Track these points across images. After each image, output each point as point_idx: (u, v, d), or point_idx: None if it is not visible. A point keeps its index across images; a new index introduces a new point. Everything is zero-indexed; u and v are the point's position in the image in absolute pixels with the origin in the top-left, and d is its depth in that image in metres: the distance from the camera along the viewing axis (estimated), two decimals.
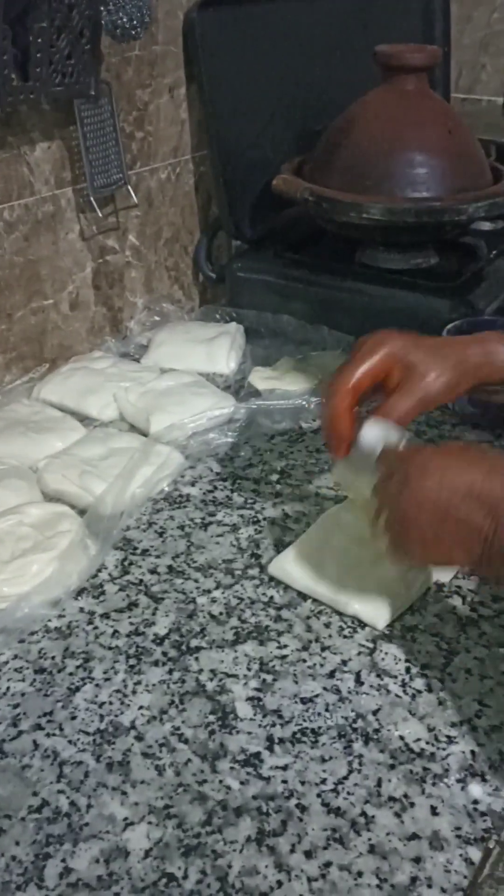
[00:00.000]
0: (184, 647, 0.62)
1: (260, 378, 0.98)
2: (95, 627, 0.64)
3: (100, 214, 0.97)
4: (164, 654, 0.62)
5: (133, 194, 1.00)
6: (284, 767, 0.53)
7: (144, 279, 1.10)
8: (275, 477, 0.82)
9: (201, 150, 1.11)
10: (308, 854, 0.48)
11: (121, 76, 0.96)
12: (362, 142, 1.02)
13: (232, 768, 0.53)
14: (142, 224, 1.07)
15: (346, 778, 0.52)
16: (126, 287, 1.07)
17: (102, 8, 0.79)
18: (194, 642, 0.63)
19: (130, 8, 0.80)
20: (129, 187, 0.99)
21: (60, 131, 0.92)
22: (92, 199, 0.94)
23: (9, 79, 0.77)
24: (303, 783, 0.52)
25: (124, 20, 0.80)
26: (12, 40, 0.76)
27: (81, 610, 0.66)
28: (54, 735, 0.55)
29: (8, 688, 0.59)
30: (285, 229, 1.15)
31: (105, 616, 0.65)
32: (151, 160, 1.05)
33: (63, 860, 0.47)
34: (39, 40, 0.78)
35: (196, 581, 0.69)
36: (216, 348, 1.03)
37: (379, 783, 0.52)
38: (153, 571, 0.70)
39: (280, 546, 0.72)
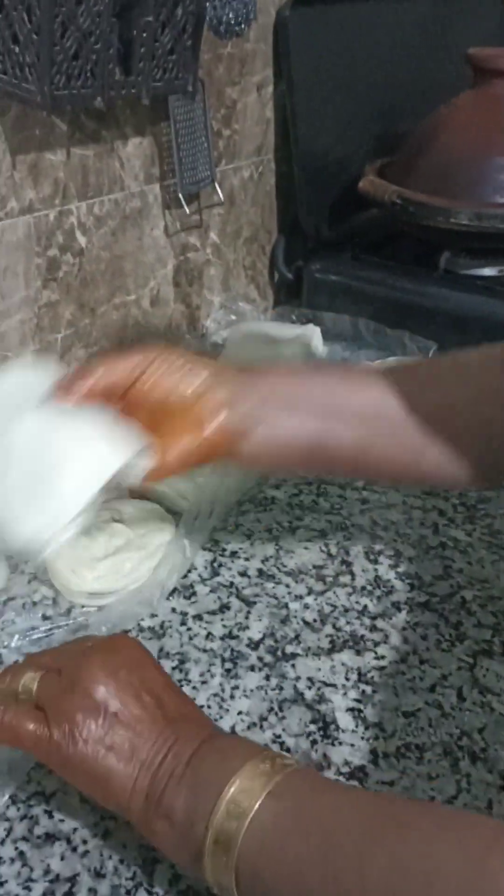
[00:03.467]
0: (279, 653, 0.61)
1: None
2: (189, 629, 0.64)
3: (187, 211, 0.96)
4: (260, 658, 0.61)
5: (220, 192, 0.99)
6: (391, 783, 0.52)
7: (222, 277, 1.09)
8: (360, 483, 0.81)
9: (284, 150, 1.10)
10: None
11: (212, 73, 0.96)
12: (452, 146, 1.01)
13: (337, 780, 0.52)
14: (223, 222, 1.06)
15: (455, 797, 0.51)
16: (205, 285, 1.07)
17: (208, 3, 0.78)
18: (289, 648, 0.62)
19: (237, 4, 0.79)
20: (216, 185, 0.98)
21: (152, 127, 0.91)
22: (180, 195, 0.94)
23: (112, 73, 0.77)
24: None
25: (230, 16, 0.79)
26: (117, 34, 0.76)
27: (174, 610, 0.65)
28: None
29: None
30: (363, 231, 1.14)
31: (198, 617, 0.65)
32: (236, 158, 1.05)
33: (172, 866, 0.47)
34: (144, 35, 0.77)
35: (287, 586, 0.68)
36: (292, 349, 1.02)
37: (490, 804, 0.50)
38: (243, 574, 0.69)
39: (371, 554, 0.71)
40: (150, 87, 0.81)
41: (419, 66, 1.24)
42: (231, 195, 1.06)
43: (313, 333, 1.05)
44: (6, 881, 0.46)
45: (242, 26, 0.83)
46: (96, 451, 0.53)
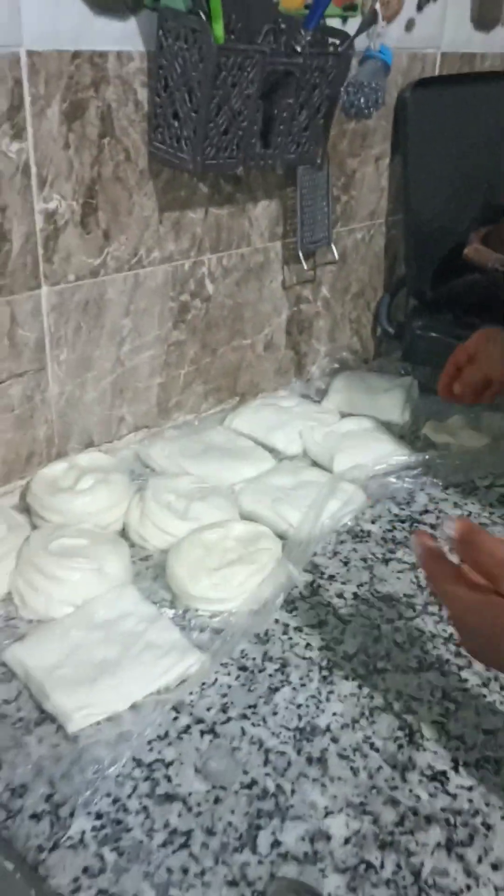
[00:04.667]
0: (371, 667, 0.68)
1: (433, 431, 1.04)
2: (290, 638, 0.71)
3: (305, 267, 1.06)
4: (353, 670, 0.68)
5: (335, 251, 1.09)
6: (470, 788, 0.58)
7: (329, 328, 1.18)
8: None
9: (395, 215, 1.20)
10: (495, 867, 0.52)
11: (336, 146, 1.06)
12: None
13: (421, 780, 0.58)
14: (334, 278, 1.16)
15: None
16: (313, 335, 1.16)
17: (342, 90, 0.88)
18: (380, 664, 0.68)
19: (368, 91, 0.89)
20: (332, 245, 1.08)
21: (280, 192, 1.02)
22: (300, 252, 1.04)
23: (254, 146, 0.87)
24: (487, 805, 0.56)
25: (361, 102, 0.90)
26: (261, 112, 0.87)
27: (277, 621, 0.73)
28: (259, 726, 0.62)
29: (217, 679, 0.66)
30: (464, 293, 1.21)
31: (298, 629, 0.72)
32: (351, 221, 1.14)
33: (273, 833, 0.54)
34: (284, 114, 0.88)
35: (380, 610, 0.75)
36: (391, 399, 1.09)
37: None
38: (340, 596, 0.76)
39: None
40: (284, 160, 0.92)
41: None
42: (344, 254, 1.15)
43: (412, 384, 1.12)
44: (132, 828, 0.54)
45: (371, 110, 0.93)
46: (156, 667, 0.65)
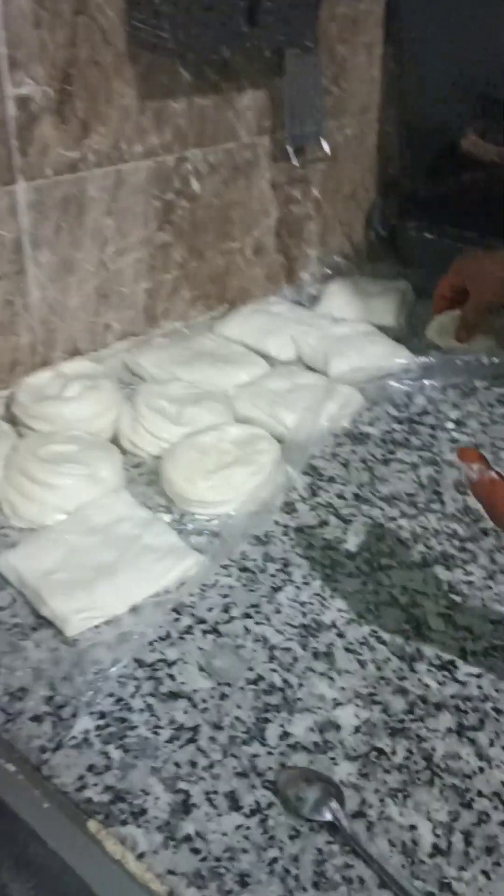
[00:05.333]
0: (375, 564, 0.67)
1: (437, 333, 0.99)
2: (291, 538, 0.69)
3: (295, 163, 1.01)
4: (357, 567, 0.66)
5: (325, 145, 1.04)
6: (478, 675, 0.57)
7: (321, 231, 1.14)
8: (450, 425, 0.85)
9: (388, 110, 1.14)
10: None
11: (326, 31, 1.00)
12: None
13: (429, 670, 0.57)
14: (325, 178, 1.10)
15: None
16: (304, 238, 1.12)
17: None
18: (384, 561, 0.67)
19: None
20: (322, 139, 1.03)
21: (267, 81, 0.96)
22: (288, 147, 0.98)
23: (239, 24, 0.82)
24: (497, 691, 0.56)
25: None
26: None
27: (276, 522, 0.71)
28: (263, 624, 0.61)
29: (217, 580, 0.64)
30: (460, 193, 1.16)
31: (299, 530, 0.70)
32: (342, 116, 1.09)
33: (281, 725, 0.53)
34: None
35: (381, 509, 0.73)
36: (386, 303, 1.06)
37: None
38: (340, 497, 0.75)
39: (461, 487, 0.76)
40: (272, 40, 0.86)
41: None
42: (334, 152, 1.10)
43: (406, 288, 1.09)
44: (137, 726, 0.52)
45: None
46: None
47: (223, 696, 0.55)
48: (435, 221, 1.14)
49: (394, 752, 0.51)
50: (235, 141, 0.96)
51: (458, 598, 0.63)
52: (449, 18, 1.10)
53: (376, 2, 1.04)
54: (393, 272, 1.14)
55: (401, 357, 0.94)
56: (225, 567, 0.66)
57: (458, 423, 0.86)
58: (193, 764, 0.50)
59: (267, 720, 0.53)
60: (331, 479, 0.77)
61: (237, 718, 0.53)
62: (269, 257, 1.08)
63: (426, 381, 0.92)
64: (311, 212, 1.11)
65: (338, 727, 0.53)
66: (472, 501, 0.73)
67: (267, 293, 1.09)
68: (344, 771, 0.50)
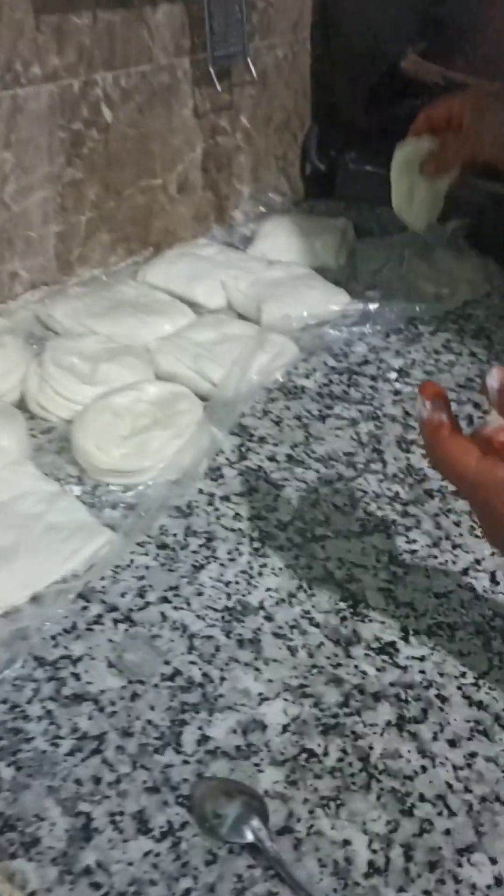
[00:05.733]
0: (308, 535, 0.60)
1: (398, 164, 0.85)
2: (216, 509, 0.62)
3: (218, 88, 0.91)
4: (289, 539, 0.60)
5: (252, 67, 0.94)
6: (421, 658, 0.51)
7: (252, 165, 1.05)
8: (393, 375, 0.78)
9: (321, 28, 1.04)
10: (452, 743, 0.46)
11: None
12: (500, 23, 0.94)
13: (367, 655, 0.51)
14: (255, 105, 1.01)
15: (486, 673, 0.50)
16: (234, 173, 1.02)
17: None
18: (319, 530, 0.61)
19: None
20: (249, 60, 0.93)
21: None
22: (211, 69, 0.89)
23: None
24: (441, 675, 0.50)
25: None
26: None
27: (200, 491, 0.64)
28: (182, 609, 0.54)
29: (132, 560, 0.57)
30: (403, 119, 1.08)
31: (225, 499, 0.63)
32: (270, 35, 0.99)
33: (200, 728, 0.46)
34: None
35: (317, 471, 0.66)
36: (325, 242, 0.98)
37: None
38: (272, 459, 0.68)
39: (403, 443, 0.69)
40: None
41: None
42: (264, 75, 1.00)
43: (347, 226, 1.01)
44: (33, 738, 0.46)
45: None
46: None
47: (134, 697, 0.48)
48: (377, 152, 1.05)
49: (326, 754, 0.45)
50: (150, 63, 0.86)
51: (399, 570, 0.57)
52: None
53: None
54: (332, 209, 1.06)
55: (340, 302, 0.87)
56: (141, 544, 0.59)
57: (402, 372, 0.79)
58: (97, 780, 0.44)
59: (184, 722, 0.47)
60: (262, 440, 0.70)
61: (149, 722, 0.47)
62: (196, 195, 0.99)
63: (367, 328, 0.85)
64: (240, 143, 1.01)
65: (263, 727, 0.47)
66: (416, 460, 0.68)
67: (195, 235, 1.00)
68: (269, 779, 0.44)
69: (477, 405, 0.75)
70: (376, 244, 1.00)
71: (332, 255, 0.97)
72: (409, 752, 0.46)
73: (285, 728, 0.47)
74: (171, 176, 0.94)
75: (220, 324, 0.81)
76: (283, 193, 1.09)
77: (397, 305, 0.87)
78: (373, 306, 0.87)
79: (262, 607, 0.54)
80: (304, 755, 0.45)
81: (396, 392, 0.76)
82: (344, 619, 0.54)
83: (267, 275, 0.90)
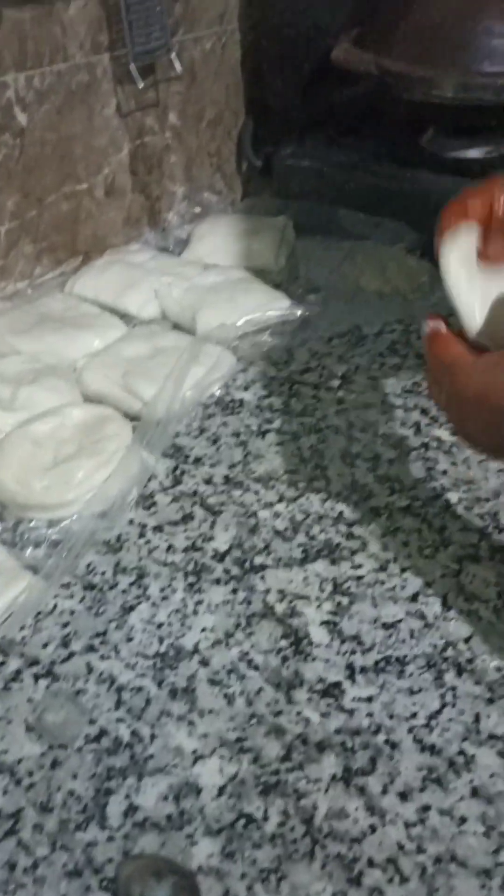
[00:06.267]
0: (247, 565, 0.56)
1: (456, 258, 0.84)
2: (148, 541, 0.58)
3: (140, 86, 0.86)
4: (226, 571, 0.56)
5: (177, 63, 0.89)
6: (369, 699, 0.47)
7: (185, 165, 1.00)
8: (336, 382, 0.75)
9: (250, 18, 0.99)
10: (403, 796, 0.42)
11: None
12: (434, 8, 0.90)
13: (310, 699, 0.47)
14: (183, 101, 0.96)
15: (439, 712, 0.46)
16: (165, 173, 0.98)
17: None
18: (258, 560, 0.57)
19: None
20: (174, 55, 0.88)
21: None
22: (132, 66, 0.84)
23: None
24: (391, 717, 0.46)
25: None
26: None
27: (131, 522, 0.60)
28: (109, 658, 0.50)
29: (55, 605, 0.53)
30: (340, 111, 1.04)
31: (158, 529, 0.59)
32: (195, 27, 0.94)
33: (127, 796, 0.42)
34: None
35: (256, 493, 0.62)
36: (263, 243, 0.94)
37: (477, 719, 0.46)
38: (208, 482, 0.63)
39: (347, 457, 0.65)
40: None
41: None
42: (192, 70, 0.95)
43: (286, 225, 0.97)
44: None
45: None
46: None
47: (55, 764, 0.44)
48: (315, 147, 1.01)
49: (266, 818, 0.41)
50: (66, 61, 0.81)
51: (344, 600, 0.53)
52: None
53: None
54: (271, 207, 1.01)
55: (279, 307, 0.83)
56: (66, 586, 0.54)
57: (345, 378, 0.75)
58: (11, 867, 0.39)
59: (109, 791, 0.43)
60: (197, 461, 0.65)
61: (71, 793, 0.42)
62: (126, 198, 0.94)
63: (308, 332, 0.81)
64: (170, 142, 0.96)
65: (198, 790, 0.43)
66: (361, 475, 0.64)
67: (127, 240, 0.95)
68: (203, 852, 0.40)
69: (424, 411, 0.71)
70: (317, 242, 0.96)
71: (272, 256, 0.92)
72: (356, 809, 0.42)
73: (221, 790, 0.43)
74: (97, 179, 0.89)
75: (152, 336, 0.77)
76: (219, 192, 1.05)
77: (340, 307, 0.83)
78: (314, 310, 0.83)
79: (197, 650, 0.50)
80: (242, 821, 0.41)
81: (339, 401, 0.72)
82: (285, 659, 0.50)
83: (202, 280, 0.85)
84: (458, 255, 0.50)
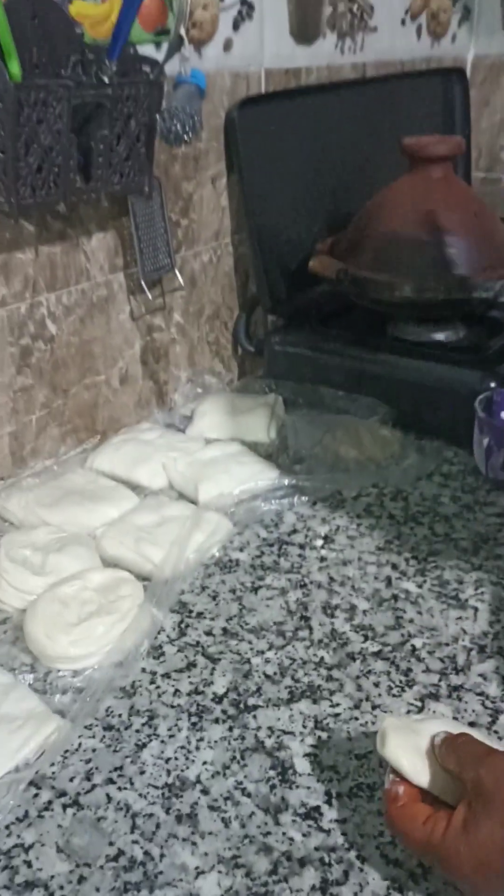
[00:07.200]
0: (242, 706, 0.66)
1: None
2: (157, 687, 0.68)
3: (149, 297, 1.04)
4: (224, 711, 0.66)
5: (179, 277, 1.07)
6: (343, 821, 0.56)
7: (188, 354, 1.17)
8: (319, 542, 0.87)
9: (240, 233, 1.19)
10: None
11: (168, 171, 1.05)
12: (393, 225, 1.09)
13: (294, 821, 0.56)
14: (186, 303, 1.14)
15: None
16: (171, 362, 1.14)
17: (157, 116, 0.87)
18: (251, 701, 0.67)
19: (183, 116, 0.88)
20: (177, 271, 1.06)
21: (114, 222, 0.99)
22: (143, 282, 1.01)
23: (73, 181, 0.85)
24: (361, 836, 0.55)
25: (177, 127, 0.88)
26: (77, 146, 0.84)
27: (144, 670, 0.70)
28: (125, 789, 0.59)
29: (80, 744, 0.63)
30: (319, 304, 1.21)
31: (166, 676, 0.69)
32: (195, 245, 1.13)
33: None
34: (101, 146, 0.86)
35: (250, 642, 0.73)
36: (256, 418, 1.08)
37: None
38: (209, 633, 0.74)
39: (328, 608, 0.76)
40: (109, 191, 0.89)
41: (366, 151, 1.33)
42: (192, 278, 1.14)
43: (276, 402, 1.12)
44: None
45: (190, 135, 0.92)
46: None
47: (81, 880, 0.53)
48: (298, 334, 1.18)
49: None
50: (89, 281, 0.99)
51: (324, 735, 0.63)
52: (285, 146, 1.18)
53: (215, 138, 1.10)
54: (263, 385, 1.17)
55: (269, 476, 0.96)
56: (89, 727, 0.64)
57: (327, 538, 0.87)
58: None
59: None
60: (199, 615, 0.77)
61: None
62: (137, 385, 1.10)
63: (295, 499, 0.94)
64: (175, 336, 1.14)
65: None
66: (339, 624, 0.75)
67: (140, 419, 1.11)
68: None
69: (395, 566, 0.82)
70: (303, 416, 1.10)
71: (264, 430, 1.07)
72: None
73: None
74: (113, 371, 1.05)
75: (160, 506, 0.90)
76: (217, 374, 1.21)
77: (322, 474, 0.97)
78: (300, 478, 0.96)
79: (199, 781, 0.60)
80: None
81: (322, 559, 0.84)
82: (273, 787, 0.59)
83: (203, 454, 0.99)
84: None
